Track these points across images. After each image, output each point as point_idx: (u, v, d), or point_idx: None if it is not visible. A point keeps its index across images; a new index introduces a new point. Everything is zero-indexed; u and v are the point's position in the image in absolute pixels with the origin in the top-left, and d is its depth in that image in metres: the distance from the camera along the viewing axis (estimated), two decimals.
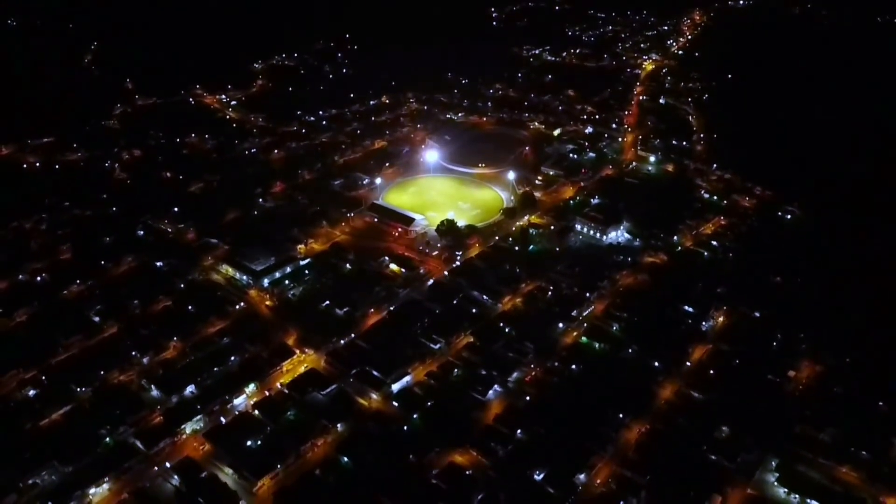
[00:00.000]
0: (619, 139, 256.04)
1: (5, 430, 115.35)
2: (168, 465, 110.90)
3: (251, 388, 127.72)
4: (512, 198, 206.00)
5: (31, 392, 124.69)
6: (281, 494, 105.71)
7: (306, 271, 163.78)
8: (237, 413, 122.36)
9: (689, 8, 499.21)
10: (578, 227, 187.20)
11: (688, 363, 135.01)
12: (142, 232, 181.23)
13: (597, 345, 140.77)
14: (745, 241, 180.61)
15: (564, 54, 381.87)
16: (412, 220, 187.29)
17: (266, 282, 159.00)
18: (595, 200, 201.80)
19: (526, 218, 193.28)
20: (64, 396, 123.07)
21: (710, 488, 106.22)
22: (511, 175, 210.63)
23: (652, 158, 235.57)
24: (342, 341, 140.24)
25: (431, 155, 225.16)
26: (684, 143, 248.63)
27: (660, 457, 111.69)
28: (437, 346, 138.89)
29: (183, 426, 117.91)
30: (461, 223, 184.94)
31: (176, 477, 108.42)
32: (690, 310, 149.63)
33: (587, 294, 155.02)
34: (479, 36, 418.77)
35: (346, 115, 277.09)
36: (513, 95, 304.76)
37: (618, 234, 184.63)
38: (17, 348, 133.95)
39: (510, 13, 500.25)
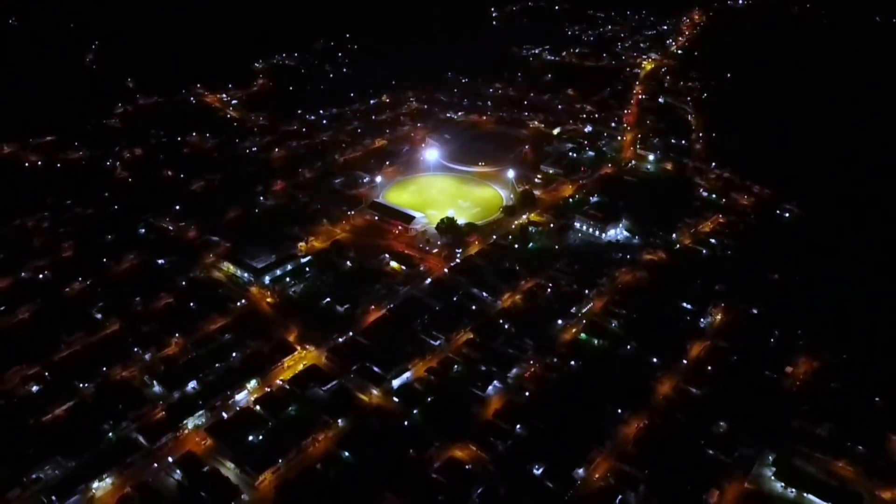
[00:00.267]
0: (619, 138, 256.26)
1: (9, 425, 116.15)
2: (170, 459, 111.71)
3: (252, 383, 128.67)
4: (511, 196, 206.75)
5: (35, 388, 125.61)
6: (282, 489, 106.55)
7: (307, 269, 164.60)
8: (239, 408, 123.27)
9: (689, 8, 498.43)
10: (578, 224, 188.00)
11: (686, 359, 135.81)
12: (143, 230, 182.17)
13: (596, 341, 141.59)
14: (743, 238, 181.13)
15: (564, 54, 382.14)
16: (412, 218, 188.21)
17: (267, 279, 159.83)
18: (594, 199, 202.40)
19: (525, 216, 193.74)
20: (67, 392, 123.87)
21: (708, 482, 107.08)
22: (511, 173, 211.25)
23: (651, 157, 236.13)
24: (343, 338, 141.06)
25: (431, 153, 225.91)
26: (683, 141, 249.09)
27: (658, 451, 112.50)
28: (437, 342, 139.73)
29: (185, 421, 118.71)
30: (461, 221, 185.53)
31: (178, 471, 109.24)
32: (689, 307, 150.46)
33: (586, 291, 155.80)
34: (479, 36, 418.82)
35: (347, 114, 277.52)
36: (513, 94, 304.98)
37: (617, 232, 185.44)
38: (19, 345, 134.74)
39: (510, 13, 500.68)
